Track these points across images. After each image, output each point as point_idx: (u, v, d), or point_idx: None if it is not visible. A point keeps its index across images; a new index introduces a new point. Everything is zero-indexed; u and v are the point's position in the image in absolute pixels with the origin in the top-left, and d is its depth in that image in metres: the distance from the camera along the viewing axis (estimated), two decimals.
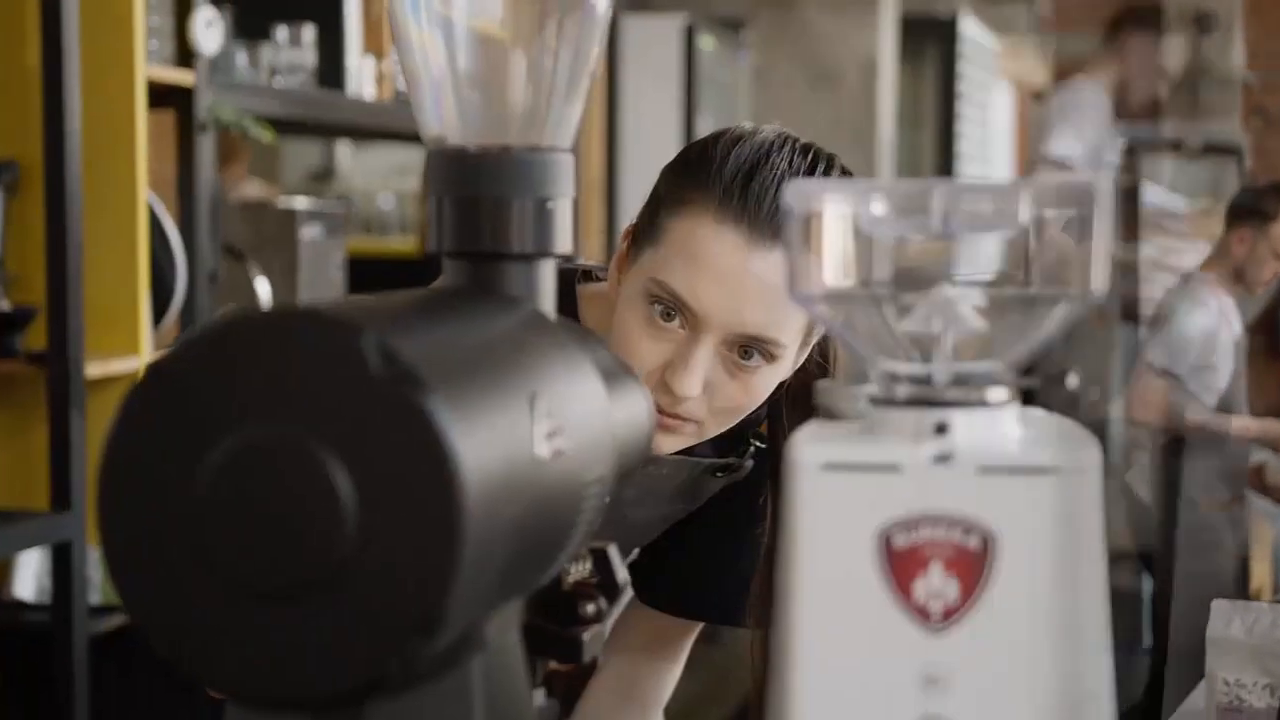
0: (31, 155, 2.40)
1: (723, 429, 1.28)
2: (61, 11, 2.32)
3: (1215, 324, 3.95)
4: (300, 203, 3.15)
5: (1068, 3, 10.01)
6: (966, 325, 0.71)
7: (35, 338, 2.39)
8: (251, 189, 3.69)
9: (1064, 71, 9.86)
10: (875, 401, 0.72)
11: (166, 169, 2.67)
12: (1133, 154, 4.47)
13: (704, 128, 5.71)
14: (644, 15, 5.03)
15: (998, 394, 0.71)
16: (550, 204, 0.81)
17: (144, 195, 2.48)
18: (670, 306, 1.22)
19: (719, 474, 1.40)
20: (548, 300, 0.82)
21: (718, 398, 1.25)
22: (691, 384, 1.22)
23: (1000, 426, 0.70)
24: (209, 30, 2.61)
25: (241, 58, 2.92)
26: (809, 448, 0.69)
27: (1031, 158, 4.27)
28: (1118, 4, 9.47)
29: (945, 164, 7.43)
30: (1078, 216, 0.69)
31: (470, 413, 0.63)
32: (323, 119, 3.10)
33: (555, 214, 0.81)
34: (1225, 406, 4.03)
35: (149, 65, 2.53)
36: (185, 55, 2.64)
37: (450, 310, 0.73)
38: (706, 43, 4.83)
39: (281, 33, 3.01)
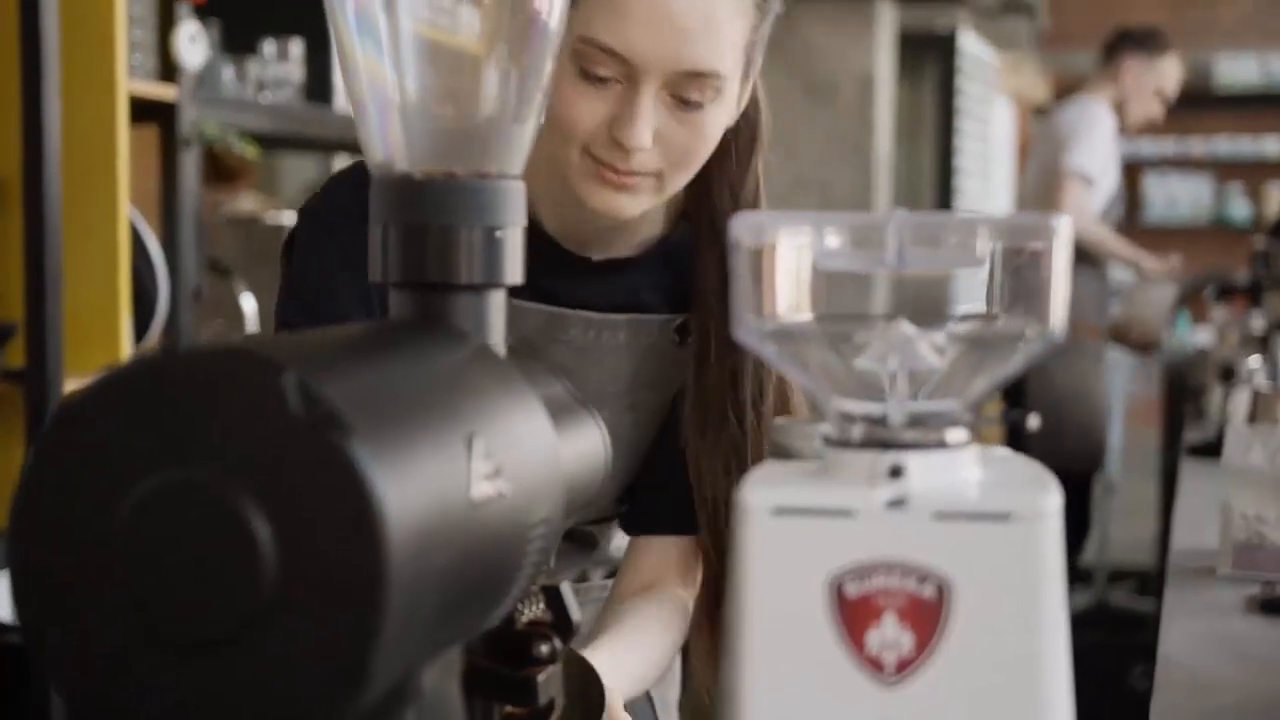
0: (11, 170, 2.37)
1: (682, 183, 1.26)
2: (41, 25, 2.30)
3: (1110, 141, 4.32)
4: (290, 218, 3.12)
5: (1068, 18, 10.01)
6: (924, 363, 0.69)
7: (14, 355, 2.36)
8: (247, 203, 3.67)
9: (1064, 87, 9.85)
10: (829, 442, 0.69)
11: (150, 185, 2.65)
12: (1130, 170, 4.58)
13: None
14: None
15: (956, 435, 0.68)
16: (499, 233, 0.78)
17: (125, 211, 2.46)
18: (601, 62, 1.19)
19: (677, 334, 1.37)
20: (497, 332, 0.79)
21: (670, 146, 1.21)
22: (640, 133, 1.19)
23: (958, 469, 0.67)
24: (192, 45, 2.59)
25: (228, 72, 2.89)
26: (758, 491, 0.66)
27: (1042, 170, 4.29)
28: (1116, 23, 9.45)
29: (944, 179, 7.40)
30: (1037, 253, 0.66)
31: (398, 455, 0.60)
32: (309, 134, 3.08)
33: (505, 243, 0.79)
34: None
35: (131, 80, 2.51)
36: (169, 70, 2.61)
37: (388, 345, 0.70)
38: None
39: (269, 47, 2.98)
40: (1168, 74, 4.38)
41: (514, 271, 0.79)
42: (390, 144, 0.79)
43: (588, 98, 1.19)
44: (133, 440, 0.59)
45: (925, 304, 0.70)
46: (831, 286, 0.70)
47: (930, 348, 0.69)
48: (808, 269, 0.69)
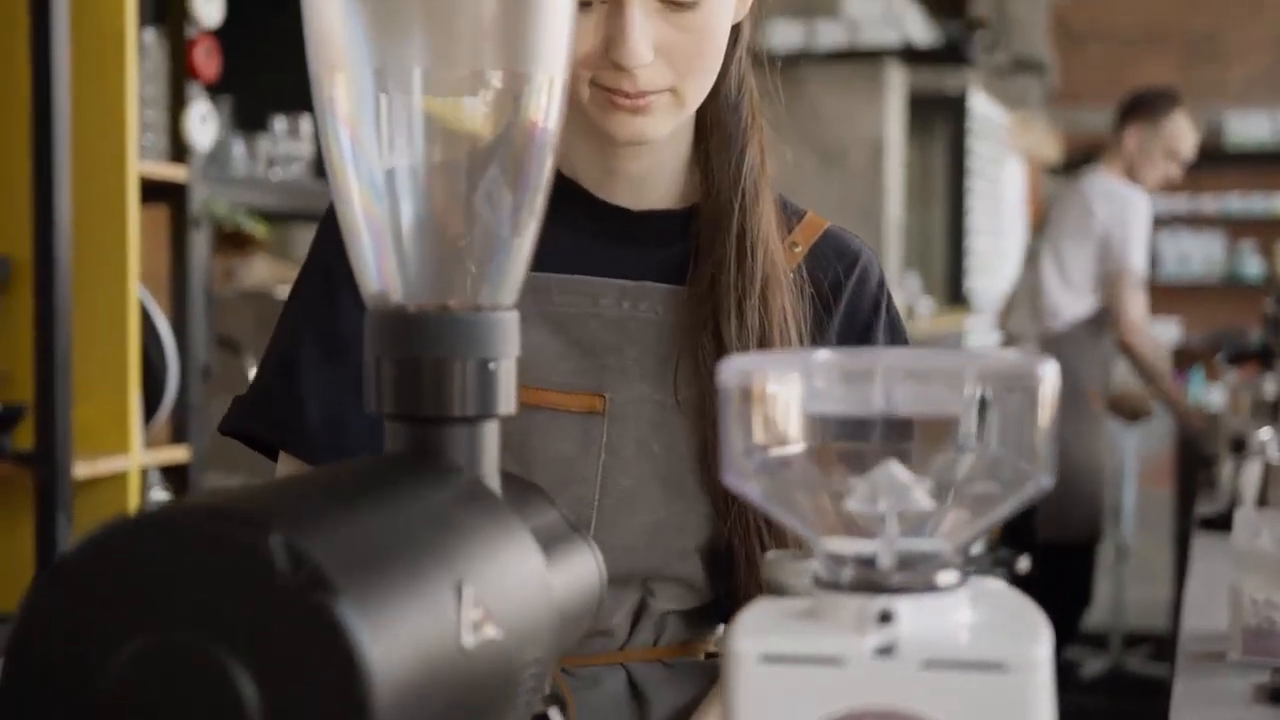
0: (22, 252, 2.39)
1: (703, 91, 1.18)
2: (53, 106, 2.32)
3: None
4: None
5: (1078, 76, 10.04)
6: (914, 505, 0.69)
7: (23, 437, 2.37)
8: (261, 268, 3.68)
9: (1075, 145, 9.88)
10: (819, 583, 0.69)
11: (160, 263, 2.66)
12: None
13: None
14: None
15: (946, 577, 0.68)
16: (493, 364, 0.78)
17: (135, 292, 2.47)
18: None
19: None
20: (490, 462, 0.79)
21: (674, 55, 1.14)
22: (636, 50, 1.11)
23: (949, 613, 0.67)
24: (203, 125, 2.61)
25: (239, 148, 2.91)
26: (748, 639, 0.66)
27: (1096, 258, 4.32)
28: (1126, 81, 9.48)
29: (955, 239, 7.41)
30: (1023, 398, 0.66)
31: (386, 612, 0.60)
32: (320, 209, 3.09)
33: (498, 375, 0.79)
34: None
35: (143, 161, 2.52)
36: (180, 150, 2.63)
37: (377, 489, 0.70)
38: None
39: (279, 124, 3.00)
40: (1175, 135, 4.39)
41: (508, 402, 0.80)
42: (385, 276, 0.80)
43: (578, 26, 1.13)
44: (119, 602, 0.59)
45: (915, 445, 0.70)
46: (820, 428, 0.70)
47: (920, 489, 0.69)
48: (796, 411, 0.69)
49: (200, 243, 2.65)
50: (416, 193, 0.79)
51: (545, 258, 1.23)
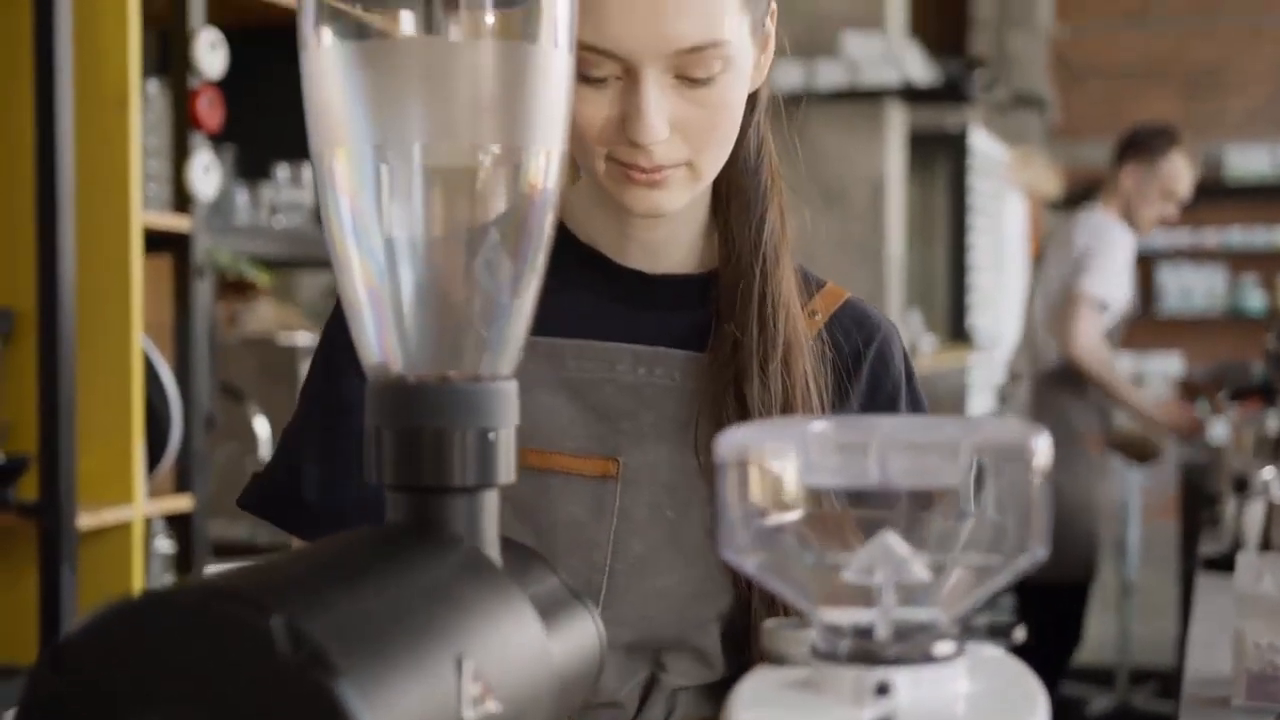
0: (26, 303, 2.40)
1: (719, 162, 1.17)
2: (57, 157, 2.33)
3: (1127, 260, 4.34)
4: (302, 338, 3.14)
5: (1078, 111, 10.08)
6: (911, 576, 0.69)
7: (27, 488, 2.38)
8: (265, 313, 3.69)
9: (1076, 180, 9.91)
10: (817, 654, 0.69)
11: (163, 312, 2.67)
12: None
13: None
14: None
15: (944, 648, 0.68)
16: (492, 434, 0.79)
17: (139, 343, 2.48)
18: (593, 63, 1.11)
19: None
20: (490, 531, 0.80)
21: (690, 130, 1.13)
22: (652, 127, 1.11)
23: (946, 684, 0.68)
24: (206, 175, 2.62)
25: (242, 196, 2.93)
26: (747, 711, 0.67)
27: (1061, 287, 4.31)
28: (1126, 116, 9.49)
29: (957, 276, 7.43)
30: (1017, 470, 0.67)
31: (387, 691, 0.61)
32: (322, 256, 3.11)
33: (498, 444, 0.79)
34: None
35: (146, 211, 2.54)
36: (183, 199, 2.65)
37: (378, 563, 0.71)
38: None
39: (282, 171, 3.02)
40: (1172, 175, 4.39)
41: (508, 470, 0.80)
42: (385, 347, 0.80)
43: (592, 103, 1.12)
44: (121, 683, 0.60)
45: (911, 516, 0.71)
46: (816, 499, 0.70)
47: (917, 560, 0.69)
48: (792, 483, 0.70)
49: (203, 292, 2.66)
50: (416, 264, 0.79)
51: (562, 322, 1.23)
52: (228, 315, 3.57)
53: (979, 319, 7.64)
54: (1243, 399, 4.66)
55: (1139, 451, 4.77)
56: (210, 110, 2.61)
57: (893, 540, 0.70)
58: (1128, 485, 5.99)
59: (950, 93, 5.80)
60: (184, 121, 2.62)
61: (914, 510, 0.71)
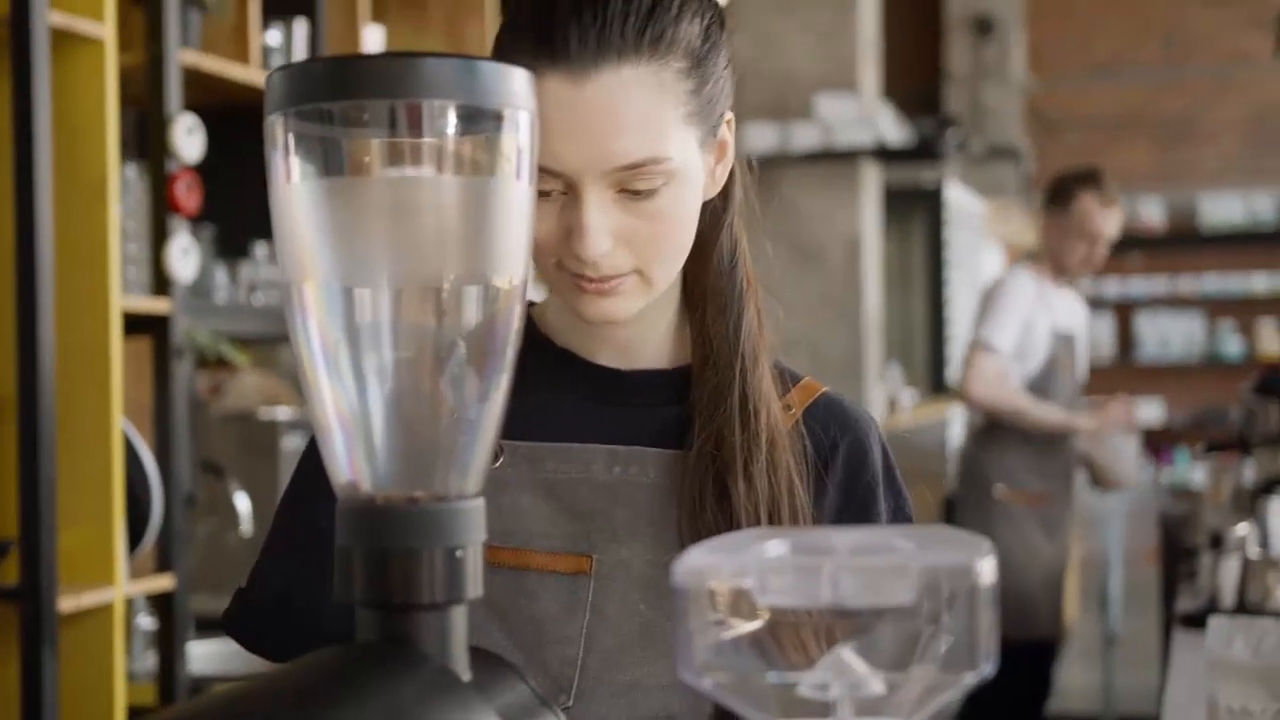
0: (6, 387, 2.42)
1: (672, 270, 1.18)
2: (37, 242, 2.36)
3: (1032, 309, 4.26)
4: (283, 413, 3.16)
5: (1054, 162, 10.17)
6: (866, 690, 0.72)
7: (8, 572, 2.39)
8: (249, 383, 3.71)
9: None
10: None
11: (143, 394, 2.69)
12: None
13: None
14: None
15: None
16: (460, 552, 0.81)
17: (119, 425, 2.50)
18: (550, 182, 1.13)
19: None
20: (459, 646, 0.82)
21: (635, 242, 1.14)
22: (594, 243, 1.12)
23: None
24: (185, 258, 2.65)
25: (221, 275, 2.95)
26: None
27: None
28: (1103, 164, 9.56)
29: (936, 328, 7.48)
30: (964, 591, 0.70)
31: None
32: None
33: (465, 561, 0.82)
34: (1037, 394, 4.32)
35: (126, 294, 2.56)
36: (162, 282, 2.67)
37: (347, 685, 0.73)
38: None
39: (260, 249, 3.05)
40: (1083, 216, 4.30)
41: (475, 586, 0.82)
42: (354, 468, 0.83)
43: (539, 217, 1.13)
44: None
45: (865, 632, 0.73)
46: (773, 618, 0.73)
47: (872, 674, 0.72)
48: (748, 604, 0.72)
49: (183, 373, 2.68)
50: (383, 389, 0.82)
51: (542, 424, 1.25)
52: (212, 386, 3.58)
53: (959, 371, 7.68)
54: (1218, 451, 4.69)
55: (1107, 485, 4.74)
56: (188, 194, 2.64)
57: (848, 655, 0.72)
58: (1108, 536, 6.02)
59: (924, 151, 5.86)
60: (162, 205, 2.65)
61: (867, 627, 0.74)
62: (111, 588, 2.49)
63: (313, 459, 1.25)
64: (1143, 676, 5.85)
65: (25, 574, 2.34)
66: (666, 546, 1.22)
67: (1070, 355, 4.39)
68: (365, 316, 0.81)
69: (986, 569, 0.70)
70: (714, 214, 1.25)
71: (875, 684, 0.72)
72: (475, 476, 0.83)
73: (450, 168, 0.81)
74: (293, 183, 0.81)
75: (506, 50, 1.15)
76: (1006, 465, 4.31)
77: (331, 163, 0.82)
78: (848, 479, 1.28)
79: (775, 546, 0.75)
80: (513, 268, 0.83)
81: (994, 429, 4.30)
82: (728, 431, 1.22)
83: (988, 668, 0.71)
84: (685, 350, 1.28)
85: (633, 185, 1.12)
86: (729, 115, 1.22)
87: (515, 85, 0.82)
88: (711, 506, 1.21)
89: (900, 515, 1.30)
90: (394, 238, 0.81)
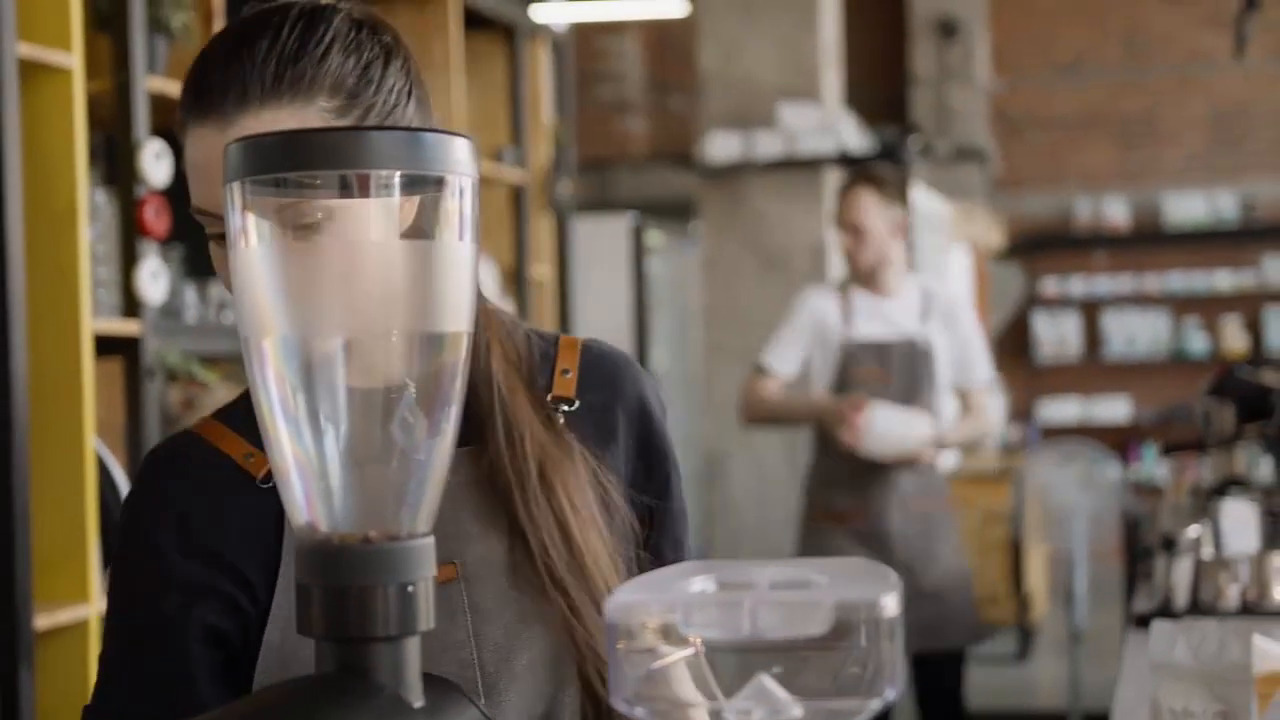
0: None
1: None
2: (8, 267, 2.40)
3: (817, 326, 4.12)
4: None
5: (1019, 163, 10.27)
6: (785, 714, 0.78)
7: None
8: (220, 396, 3.75)
9: (1018, 230, 10.08)
10: None
11: (115, 414, 2.74)
12: None
13: (656, 320, 5.84)
14: (594, 215, 5.16)
15: None
16: (411, 587, 0.87)
17: (91, 445, 2.54)
18: (212, 224, 1.17)
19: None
20: (412, 675, 0.88)
21: None
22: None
23: None
24: (154, 281, 2.70)
25: (191, 294, 3.00)
26: None
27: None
28: (1066, 168, 9.65)
29: None
30: (869, 621, 0.76)
31: None
32: None
33: (417, 596, 0.88)
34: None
35: (97, 318, 2.61)
36: (132, 304, 2.72)
37: (303, 716, 0.79)
38: (654, 238, 4.95)
39: None
40: (843, 207, 4.14)
41: (427, 618, 0.88)
42: (311, 510, 0.89)
43: (217, 261, 1.20)
44: None
45: (784, 660, 0.79)
46: (697, 649, 0.79)
47: (790, 699, 0.78)
48: (674, 638, 0.78)
49: (153, 393, 2.73)
50: (338, 436, 0.88)
51: None
52: (184, 400, 3.63)
53: None
54: (1178, 451, 4.77)
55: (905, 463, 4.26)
56: (157, 218, 2.69)
57: (768, 683, 0.79)
58: (1074, 532, 6.10)
59: (886, 158, 5.93)
60: (131, 229, 2.70)
61: (786, 655, 0.80)
62: (86, 605, 2.54)
63: (141, 536, 1.25)
64: (1109, 672, 5.93)
65: (0, 594, 2.39)
66: (509, 530, 1.25)
67: (884, 363, 4.13)
68: (320, 368, 0.88)
69: (891, 602, 0.76)
70: None
71: (794, 709, 0.78)
72: (425, 515, 0.90)
73: (396, 230, 0.87)
74: (250, 245, 0.87)
75: (178, 112, 1.21)
76: (810, 485, 4.19)
77: (286, 227, 0.88)
78: (636, 424, 1.33)
79: (700, 582, 0.81)
80: (458, 319, 0.89)
81: (813, 455, 4.19)
82: (500, 461, 1.25)
83: (892, 692, 0.77)
84: None
85: (300, 223, 1.06)
86: None
87: (456, 153, 0.88)
88: (507, 524, 1.25)
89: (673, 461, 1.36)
90: (346, 295, 0.87)
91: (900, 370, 4.11)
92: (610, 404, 1.33)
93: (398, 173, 0.86)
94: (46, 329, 2.51)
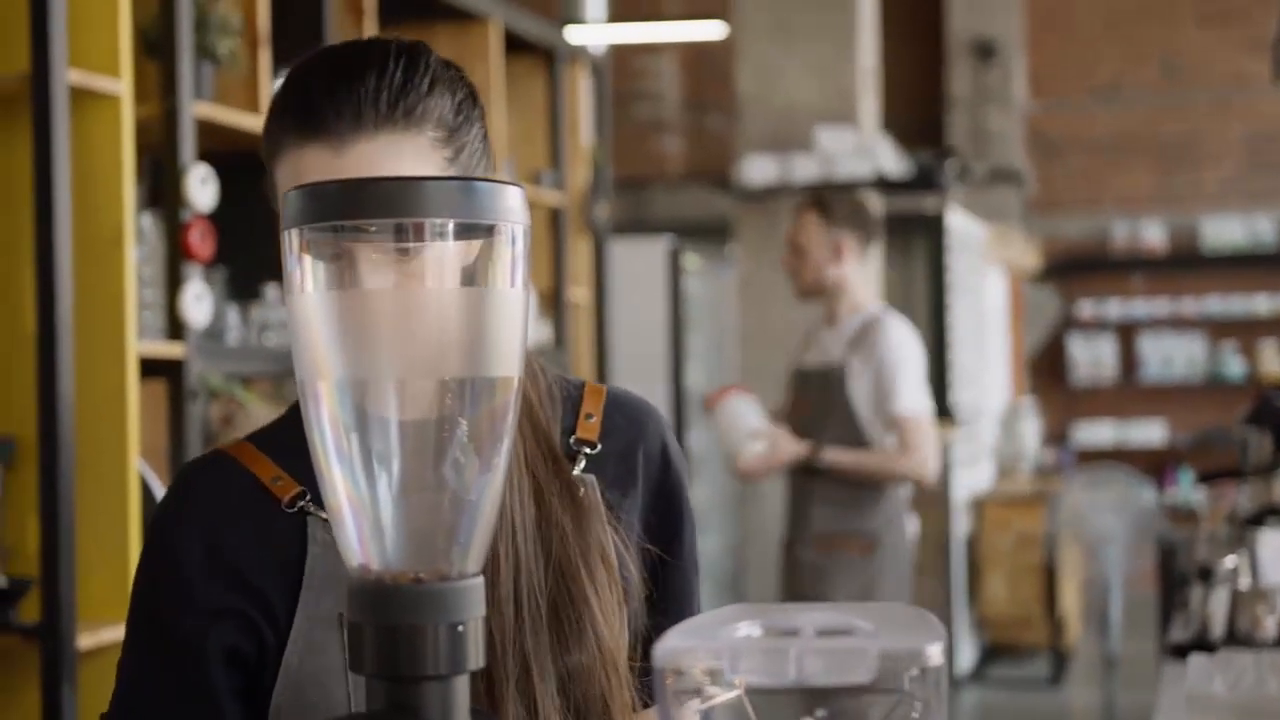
0: (27, 431, 2.50)
1: None
2: (56, 290, 2.44)
3: (794, 355, 4.12)
4: None
5: (1056, 185, 10.25)
6: None
7: (29, 610, 2.46)
8: (258, 414, 3.78)
9: (1053, 253, 10.05)
10: None
11: (158, 435, 2.77)
12: None
13: (693, 342, 5.86)
14: (631, 238, 5.18)
15: None
16: (462, 627, 0.89)
17: (135, 466, 2.58)
18: None
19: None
20: (461, 713, 0.90)
21: None
22: None
23: None
24: (198, 304, 2.73)
25: (234, 317, 3.04)
26: None
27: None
28: (1104, 191, 9.61)
29: (939, 353, 7.54)
30: (916, 674, 0.77)
31: None
32: None
33: (467, 635, 0.89)
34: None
35: (142, 340, 2.64)
36: (176, 327, 2.75)
37: None
38: (691, 261, 4.97)
39: (272, 291, 3.13)
40: (790, 226, 4.16)
41: (477, 658, 0.90)
42: (365, 551, 0.91)
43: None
44: None
45: (830, 705, 0.81)
46: (748, 697, 0.80)
47: None
48: (722, 682, 0.80)
49: (196, 415, 2.76)
50: (391, 480, 0.90)
51: None
52: (223, 417, 3.66)
53: (961, 395, 7.74)
54: (1212, 481, 4.74)
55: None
56: (202, 242, 2.73)
57: None
58: (1109, 557, 6.08)
59: (923, 183, 5.94)
60: (177, 253, 2.73)
61: (832, 700, 0.81)
62: None
63: (166, 552, 1.27)
64: (1144, 698, 5.91)
65: (45, 612, 2.42)
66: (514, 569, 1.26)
67: (803, 391, 4.13)
68: (374, 411, 0.89)
69: (936, 651, 0.78)
70: None
71: None
72: (476, 555, 0.91)
73: (450, 278, 0.89)
74: (307, 291, 0.89)
75: (274, 132, 1.22)
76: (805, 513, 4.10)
77: (342, 274, 0.90)
78: (655, 473, 1.35)
79: (745, 627, 0.83)
80: (509, 363, 0.91)
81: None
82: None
83: None
84: None
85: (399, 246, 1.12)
86: None
87: (508, 201, 0.90)
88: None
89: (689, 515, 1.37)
90: (401, 341, 0.89)
91: (816, 398, 4.06)
92: (632, 450, 1.35)
93: (451, 221, 0.88)
94: (93, 351, 2.54)
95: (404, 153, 1.20)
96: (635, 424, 1.36)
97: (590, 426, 1.33)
